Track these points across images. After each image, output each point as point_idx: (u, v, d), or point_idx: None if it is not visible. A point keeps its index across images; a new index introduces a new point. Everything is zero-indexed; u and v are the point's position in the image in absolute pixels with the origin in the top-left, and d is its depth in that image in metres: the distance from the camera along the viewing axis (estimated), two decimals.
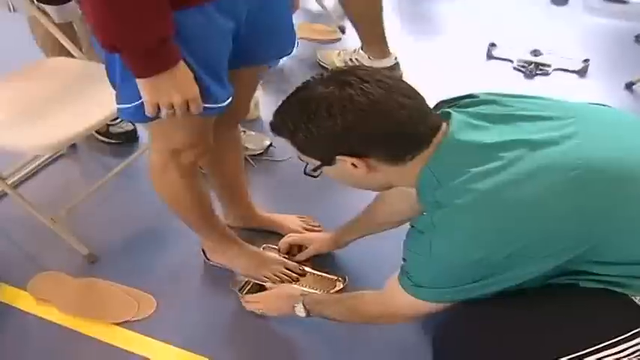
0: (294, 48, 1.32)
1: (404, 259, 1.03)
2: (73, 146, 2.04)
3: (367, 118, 0.92)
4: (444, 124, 0.98)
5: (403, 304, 1.05)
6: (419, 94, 0.98)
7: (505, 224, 0.89)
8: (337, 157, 0.98)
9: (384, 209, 1.41)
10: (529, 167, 0.90)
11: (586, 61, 2.49)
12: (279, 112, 1.01)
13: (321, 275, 1.53)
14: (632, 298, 0.92)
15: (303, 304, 1.27)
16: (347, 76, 0.94)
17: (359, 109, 0.92)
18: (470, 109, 1.01)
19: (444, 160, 0.95)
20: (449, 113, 1.00)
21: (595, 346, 0.92)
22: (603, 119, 1.03)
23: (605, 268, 0.92)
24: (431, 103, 1.02)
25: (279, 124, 1.01)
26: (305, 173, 1.06)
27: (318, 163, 1.02)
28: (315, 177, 1.06)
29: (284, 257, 1.58)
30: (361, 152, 0.97)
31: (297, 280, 1.52)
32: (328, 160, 1.00)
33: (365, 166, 0.98)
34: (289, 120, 0.99)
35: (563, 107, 1.02)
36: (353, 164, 0.98)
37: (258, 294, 1.43)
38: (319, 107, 0.93)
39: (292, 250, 1.60)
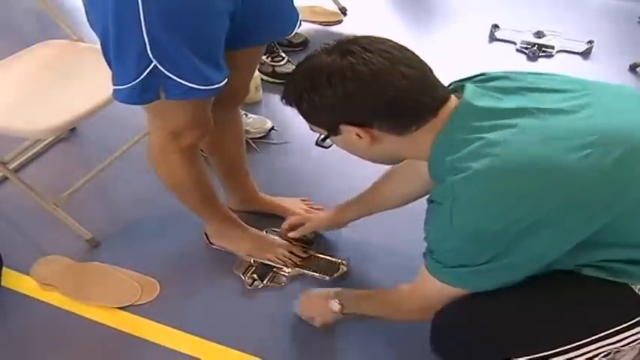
0: (296, 28, 1.31)
1: (425, 239, 1.00)
2: (74, 130, 2.03)
3: (368, 87, 0.92)
4: (453, 97, 0.97)
5: (433, 292, 1.02)
6: (425, 64, 0.97)
7: (527, 188, 0.86)
8: (341, 127, 0.98)
9: (393, 188, 1.38)
10: (547, 132, 0.89)
11: (590, 42, 2.46)
12: (287, 82, 1.02)
13: (325, 258, 1.53)
14: (632, 287, 0.91)
15: (338, 299, 1.24)
16: (350, 46, 0.94)
17: (359, 79, 0.92)
18: (482, 83, 1.01)
19: (460, 125, 0.94)
20: (462, 86, 0.99)
21: (595, 335, 0.91)
22: (617, 93, 1.01)
23: (613, 251, 0.91)
24: None
25: (287, 94, 1.02)
26: (316, 144, 1.06)
27: (326, 132, 1.02)
28: (325, 147, 1.06)
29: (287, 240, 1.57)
30: (364, 122, 0.96)
31: (301, 264, 1.52)
32: (333, 130, 1.00)
33: (369, 136, 0.97)
34: (294, 89, 0.99)
35: (574, 81, 1.02)
36: (357, 134, 0.97)
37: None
38: (321, 76, 0.94)
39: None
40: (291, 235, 1.54)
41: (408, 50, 0.97)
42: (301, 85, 0.97)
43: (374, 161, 1.09)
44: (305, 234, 1.55)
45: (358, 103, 0.94)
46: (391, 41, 0.96)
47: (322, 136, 1.04)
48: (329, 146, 1.06)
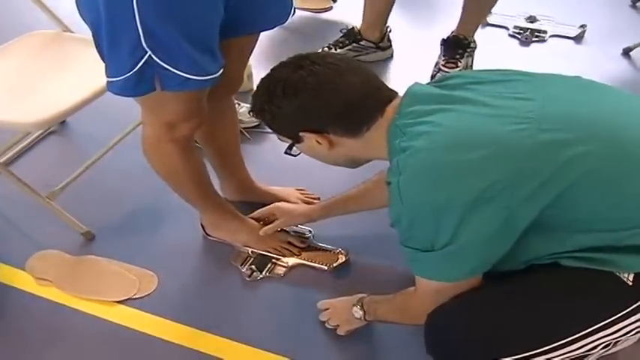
0: (290, 16, 1.29)
1: (391, 224, 1.00)
2: (64, 122, 2.00)
3: (317, 96, 1.03)
4: (399, 96, 1.06)
5: (425, 291, 1.03)
6: (370, 72, 1.08)
7: (466, 159, 0.89)
8: (301, 135, 1.08)
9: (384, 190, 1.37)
10: (486, 112, 0.94)
11: (583, 27, 2.46)
12: (252, 95, 1.12)
13: (323, 248, 1.53)
14: (619, 275, 0.91)
15: (361, 304, 1.24)
16: (302, 60, 1.05)
17: (309, 89, 1.03)
18: (435, 82, 1.08)
19: (405, 113, 1.01)
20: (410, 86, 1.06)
21: (590, 327, 0.91)
22: (568, 83, 1.05)
23: (583, 237, 0.91)
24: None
25: (252, 106, 1.12)
26: (285, 153, 1.15)
27: (290, 141, 1.12)
28: (293, 155, 1.16)
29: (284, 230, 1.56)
30: (320, 128, 1.06)
31: (299, 254, 1.51)
32: (295, 138, 1.10)
33: (327, 141, 1.07)
34: (257, 102, 1.10)
35: (524, 73, 1.05)
36: (317, 141, 1.07)
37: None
38: (276, 89, 1.05)
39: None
40: (262, 232, 1.51)
41: (355, 61, 1.11)
42: (261, 98, 1.08)
43: (337, 165, 1.17)
44: (278, 229, 1.52)
45: (311, 111, 1.04)
46: (340, 55, 1.09)
47: (288, 145, 1.13)
48: (297, 154, 1.16)
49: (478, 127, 0.93)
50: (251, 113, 1.14)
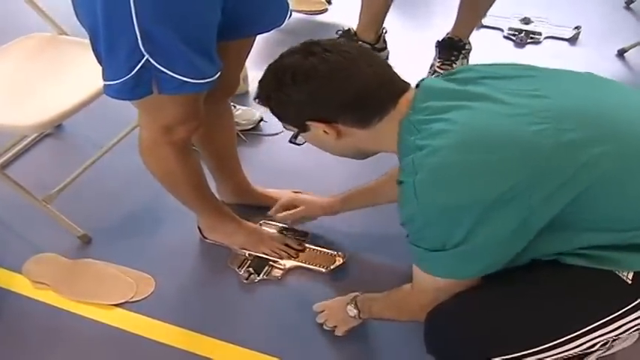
0: (287, 19, 1.29)
1: (401, 224, 0.98)
2: (59, 125, 1.99)
3: (328, 84, 0.99)
4: (412, 88, 1.04)
5: (426, 287, 1.02)
6: (383, 62, 1.05)
7: (486, 160, 0.87)
8: (308, 123, 1.04)
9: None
10: (503, 111, 0.92)
11: (577, 28, 2.47)
12: (259, 82, 1.07)
13: (320, 250, 1.53)
14: (618, 274, 0.91)
15: (355, 302, 1.24)
16: (313, 47, 1.01)
17: (320, 77, 0.98)
18: (447, 76, 1.06)
19: (420, 108, 0.98)
20: (423, 79, 1.04)
21: (588, 326, 0.91)
22: (579, 80, 1.03)
23: (589, 236, 0.91)
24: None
25: (258, 93, 1.08)
26: (289, 141, 1.12)
27: (296, 130, 1.08)
28: (298, 144, 1.12)
29: (282, 231, 1.57)
30: (328, 117, 1.02)
31: (296, 256, 1.51)
32: (302, 127, 1.06)
33: (335, 131, 1.03)
34: (264, 89, 1.06)
35: (535, 68, 1.04)
36: (324, 130, 1.03)
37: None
38: (285, 76, 1.00)
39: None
40: (280, 216, 1.50)
41: (368, 50, 1.06)
42: (269, 85, 1.04)
43: (344, 156, 1.14)
44: (298, 217, 1.52)
45: (321, 99, 1.00)
46: (352, 43, 1.03)
47: (293, 134, 1.09)
48: (302, 143, 1.12)
49: (496, 126, 0.90)
50: (256, 100, 1.09)
